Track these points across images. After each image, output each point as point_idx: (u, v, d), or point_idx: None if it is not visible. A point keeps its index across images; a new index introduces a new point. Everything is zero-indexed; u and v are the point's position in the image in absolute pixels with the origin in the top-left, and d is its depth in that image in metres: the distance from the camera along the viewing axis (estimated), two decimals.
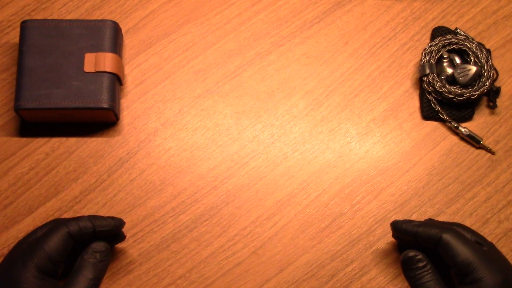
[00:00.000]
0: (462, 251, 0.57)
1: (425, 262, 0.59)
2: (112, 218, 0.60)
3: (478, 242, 0.59)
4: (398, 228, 0.61)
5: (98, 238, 0.59)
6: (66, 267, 0.59)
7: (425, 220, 0.63)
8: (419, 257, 0.59)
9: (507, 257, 0.66)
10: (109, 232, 0.60)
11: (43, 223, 0.65)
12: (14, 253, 0.57)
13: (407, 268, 0.59)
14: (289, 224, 0.67)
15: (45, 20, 0.67)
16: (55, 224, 0.58)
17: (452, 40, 0.70)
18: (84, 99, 0.65)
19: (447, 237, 0.58)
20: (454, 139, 0.70)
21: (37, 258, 0.55)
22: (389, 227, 0.67)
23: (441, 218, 0.67)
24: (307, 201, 0.68)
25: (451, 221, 0.67)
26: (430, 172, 0.69)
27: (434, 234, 0.58)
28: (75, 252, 0.59)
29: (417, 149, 0.70)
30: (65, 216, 0.66)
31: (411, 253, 0.59)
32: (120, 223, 0.61)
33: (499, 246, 0.66)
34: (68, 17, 0.72)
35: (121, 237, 0.63)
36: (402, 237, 0.62)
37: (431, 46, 0.70)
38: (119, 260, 0.65)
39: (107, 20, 0.68)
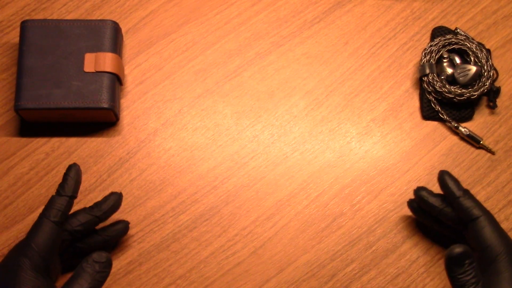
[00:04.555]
0: (494, 237, 0.56)
1: (472, 259, 0.54)
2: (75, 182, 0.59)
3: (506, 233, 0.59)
4: (444, 183, 0.60)
5: (99, 233, 0.60)
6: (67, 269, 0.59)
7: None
8: (467, 254, 0.54)
9: None
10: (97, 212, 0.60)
11: None
12: (8, 257, 0.57)
13: (454, 265, 0.54)
14: (289, 224, 0.67)
15: (45, 20, 0.67)
16: (38, 218, 0.58)
17: (452, 40, 0.70)
18: (84, 99, 0.65)
19: (482, 220, 0.57)
20: (454, 139, 0.70)
21: (28, 257, 0.55)
22: (389, 227, 0.67)
23: None
24: (307, 201, 0.68)
25: None
26: (430, 172, 0.69)
27: (468, 213, 0.57)
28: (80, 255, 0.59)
29: (417, 149, 0.70)
30: None
31: (459, 249, 0.53)
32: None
33: None
34: (68, 17, 0.72)
35: (123, 230, 0.63)
36: (422, 208, 0.63)
37: (431, 46, 0.70)
38: (119, 260, 0.65)
39: (107, 20, 0.68)
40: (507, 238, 0.57)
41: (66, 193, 0.58)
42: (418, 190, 0.62)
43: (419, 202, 0.63)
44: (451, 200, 0.60)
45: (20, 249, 0.56)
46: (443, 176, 0.61)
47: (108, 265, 0.56)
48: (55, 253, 0.57)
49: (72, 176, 0.59)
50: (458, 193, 0.59)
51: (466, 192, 0.60)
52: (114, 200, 0.61)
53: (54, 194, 0.59)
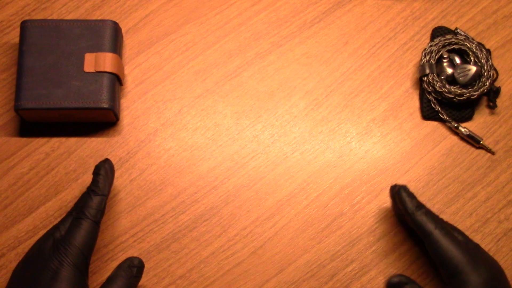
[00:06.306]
0: (450, 250, 0.57)
1: (410, 285, 0.58)
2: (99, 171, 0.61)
3: (465, 242, 0.59)
4: (400, 199, 0.60)
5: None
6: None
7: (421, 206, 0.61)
8: (405, 281, 0.58)
9: (507, 257, 0.66)
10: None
11: (44, 223, 0.66)
12: (45, 258, 0.57)
13: None
14: (289, 224, 0.67)
15: (45, 20, 0.67)
16: (75, 217, 0.59)
17: (452, 40, 0.70)
18: (84, 99, 0.65)
19: (435, 235, 0.58)
20: (454, 139, 0.70)
21: (73, 257, 0.56)
22: (389, 227, 0.67)
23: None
24: (307, 201, 0.68)
25: (450, 220, 0.67)
26: (430, 172, 0.69)
27: (421, 229, 0.59)
28: None
29: (417, 149, 0.70)
30: None
31: (396, 279, 0.58)
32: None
33: (499, 246, 0.67)
34: (68, 17, 0.72)
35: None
36: (397, 206, 0.63)
37: (431, 46, 0.70)
38: (119, 260, 0.65)
39: (107, 20, 0.68)
40: (463, 248, 0.57)
41: (102, 192, 0.59)
42: (397, 190, 0.62)
43: (394, 197, 0.62)
44: (408, 216, 0.60)
45: (63, 249, 0.56)
46: (400, 192, 0.61)
47: (141, 271, 0.60)
48: (93, 251, 0.59)
49: (103, 174, 0.60)
50: (410, 209, 0.60)
51: (420, 208, 0.60)
52: (107, 168, 0.61)
53: (89, 192, 0.59)
